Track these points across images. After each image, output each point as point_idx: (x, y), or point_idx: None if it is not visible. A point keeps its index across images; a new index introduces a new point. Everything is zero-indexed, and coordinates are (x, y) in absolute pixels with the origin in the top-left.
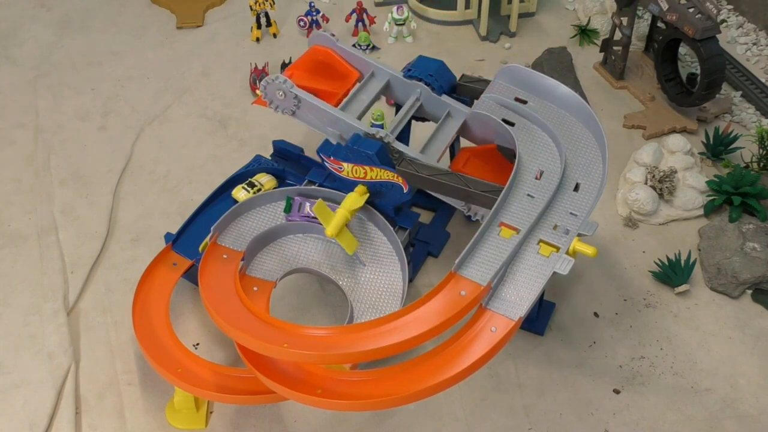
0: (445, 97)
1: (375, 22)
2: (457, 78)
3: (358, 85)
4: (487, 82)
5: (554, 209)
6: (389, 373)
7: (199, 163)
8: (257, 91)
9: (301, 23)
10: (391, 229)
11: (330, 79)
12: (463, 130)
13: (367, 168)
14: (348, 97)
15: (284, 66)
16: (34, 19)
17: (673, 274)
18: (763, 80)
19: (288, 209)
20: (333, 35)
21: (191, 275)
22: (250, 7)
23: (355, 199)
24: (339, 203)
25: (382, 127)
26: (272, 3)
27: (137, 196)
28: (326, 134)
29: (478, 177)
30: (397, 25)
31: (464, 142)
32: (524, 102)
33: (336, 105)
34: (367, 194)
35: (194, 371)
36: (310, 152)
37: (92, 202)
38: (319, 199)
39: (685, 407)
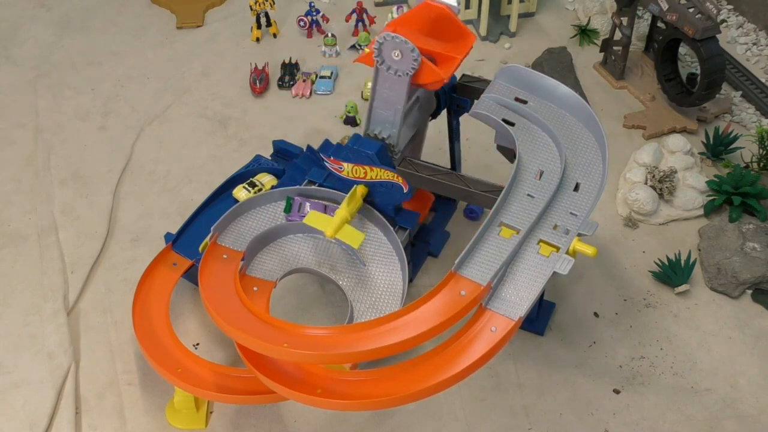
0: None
1: (375, 22)
2: (457, 78)
3: None
4: (487, 82)
5: (554, 209)
6: (389, 373)
7: (199, 163)
8: (364, 47)
9: (301, 23)
10: (391, 229)
11: (445, 41)
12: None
13: (367, 168)
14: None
15: (284, 66)
16: (34, 19)
17: (673, 274)
18: (763, 80)
19: (288, 209)
20: None
21: (191, 275)
22: (250, 7)
23: (356, 200)
24: (339, 203)
25: (354, 119)
26: (272, 3)
27: (137, 196)
28: (370, 105)
29: None
30: None
31: None
32: (524, 102)
33: (451, 73)
34: (362, 236)
35: (194, 371)
36: None
37: (92, 202)
38: (311, 211)
39: (685, 407)
